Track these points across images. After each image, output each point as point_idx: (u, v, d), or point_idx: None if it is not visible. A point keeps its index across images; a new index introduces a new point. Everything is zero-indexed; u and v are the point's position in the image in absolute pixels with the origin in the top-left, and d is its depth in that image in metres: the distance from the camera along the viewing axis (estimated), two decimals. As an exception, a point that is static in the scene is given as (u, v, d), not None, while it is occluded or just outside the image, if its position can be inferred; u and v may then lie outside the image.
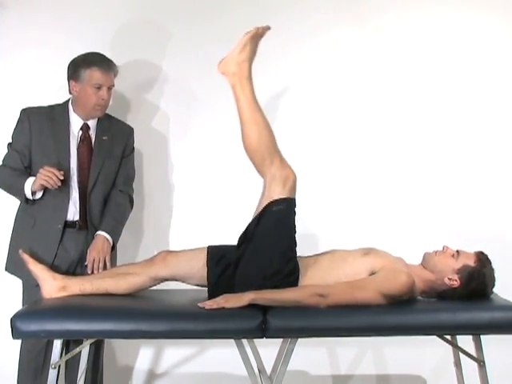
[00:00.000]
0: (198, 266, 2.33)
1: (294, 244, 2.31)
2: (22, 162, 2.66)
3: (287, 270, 2.26)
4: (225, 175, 3.16)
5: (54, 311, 2.20)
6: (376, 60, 3.15)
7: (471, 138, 3.15)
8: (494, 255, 2.34)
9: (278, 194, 2.26)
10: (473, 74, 3.15)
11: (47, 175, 2.51)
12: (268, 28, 2.37)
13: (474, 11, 3.15)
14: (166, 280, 2.38)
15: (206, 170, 3.17)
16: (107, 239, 2.69)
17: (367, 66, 3.15)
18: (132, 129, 2.88)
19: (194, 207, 3.16)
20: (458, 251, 2.32)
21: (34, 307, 2.26)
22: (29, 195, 2.59)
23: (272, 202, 2.25)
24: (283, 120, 3.13)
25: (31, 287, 2.54)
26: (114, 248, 2.75)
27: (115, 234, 2.74)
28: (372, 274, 2.26)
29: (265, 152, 2.28)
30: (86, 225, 2.70)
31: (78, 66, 2.66)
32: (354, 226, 3.13)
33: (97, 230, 2.69)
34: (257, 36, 2.36)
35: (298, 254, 2.39)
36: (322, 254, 2.42)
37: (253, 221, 2.30)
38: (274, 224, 2.26)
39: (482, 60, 3.15)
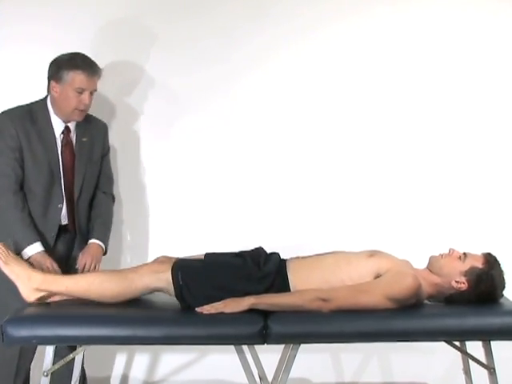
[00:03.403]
0: None
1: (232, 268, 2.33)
2: (17, 174, 2.59)
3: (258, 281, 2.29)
4: (207, 178, 3.16)
5: (47, 316, 2.22)
6: (377, 56, 3.13)
7: (478, 140, 3.13)
8: (503, 258, 2.34)
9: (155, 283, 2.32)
10: (476, 71, 3.13)
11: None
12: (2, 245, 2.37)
13: (477, 7, 3.14)
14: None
15: (189, 172, 3.16)
16: (101, 247, 2.72)
17: (368, 62, 3.13)
18: (107, 125, 2.88)
19: (175, 210, 3.16)
20: (464, 253, 2.32)
21: (25, 312, 2.25)
22: (25, 255, 2.55)
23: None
24: (287, 120, 3.15)
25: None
26: (105, 253, 2.78)
27: (106, 240, 2.76)
28: (377, 276, 2.26)
29: (124, 290, 2.31)
30: (74, 228, 2.71)
31: (60, 67, 2.60)
32: (357, 228, 3.12)
33: (83, 231, 2.71)
34: (7, 259, 2.34)
35: (299, 255, 2.42)
36: (325, 254, 2.43)
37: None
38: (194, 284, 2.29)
39: (486, 59, 3.13)
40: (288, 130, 3.15)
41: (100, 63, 2.69)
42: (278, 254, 2.43)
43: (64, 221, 2.69)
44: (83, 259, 2.66)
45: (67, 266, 2.69)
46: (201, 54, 3.11)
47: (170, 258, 2.49)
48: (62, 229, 2.69)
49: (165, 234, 3.16)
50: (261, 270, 2.32)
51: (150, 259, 3.02)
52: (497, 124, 3.13)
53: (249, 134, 3.15)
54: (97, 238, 2.72)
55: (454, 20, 3.12)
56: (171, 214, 3.16)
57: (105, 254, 2.76)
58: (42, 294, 2.32)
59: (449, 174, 3.13)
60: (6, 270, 2.34)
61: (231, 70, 3.13)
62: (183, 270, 2.30)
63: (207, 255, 2.47)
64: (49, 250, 2.62)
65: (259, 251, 2.44)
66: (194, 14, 3.13)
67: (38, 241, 2.57)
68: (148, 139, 3.16)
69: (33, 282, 2.31)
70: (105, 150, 2.83)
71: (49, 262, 2.55)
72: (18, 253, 2.50)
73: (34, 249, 2.56)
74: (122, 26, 3.12)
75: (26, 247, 2.55)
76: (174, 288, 2.28)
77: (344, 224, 3.13)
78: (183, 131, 3.16)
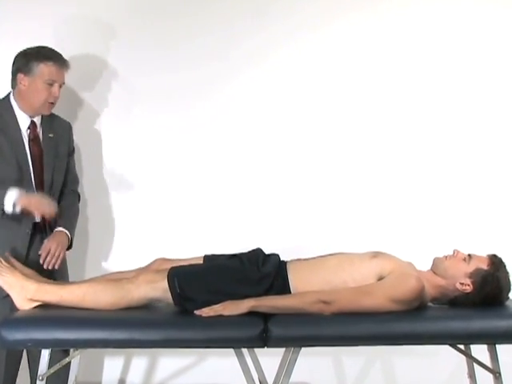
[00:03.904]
0: None
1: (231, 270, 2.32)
2: None
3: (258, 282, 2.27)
4: (167, 175, 3.15)
5: (42, 319, 2.20)
6: (377, 54, 3.13)
7: (482, 140, 3.12)
8: (508, 259, 2.33)
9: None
10: (478, 70, 3.12)
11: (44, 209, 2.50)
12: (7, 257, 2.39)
13: (480, 4, 3.13)
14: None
15: (149, 170, 3.16)
16: (67, 235, 2.69)
17: (368, 60, 3.13)
18: (70, 124, 2.88)
19: (140, 208, 3.16)
20: (469, 255, 2.32)
21: (20, 314, 2.24)
22: (8, 208, 2.51)
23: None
24: (286, 119, 3.14)
25: None
26: (70, 247, 2.75)
27: (72, 232, 2.75)
28: (380, 278, 2.25)
29: (119, 300, 2.29)
30: (45, 225, 2.69)
31: (29, 59, 2.60)
32: (360, 230, 3.11)
33: (53, 228, 2.69)
34: (1, 269, 2.34)
35: (300, 257, 2.41)
36: (328, 255, 2.42)
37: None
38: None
39: (488, 57, 3.12)
40: (287, 129, 3.14)
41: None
42: (277, 255, 2.42)
43: (37, 218, 2.64)
44: (48, 245, 2.62)
45: (43, 269, 2.63)
46: (198, 51, 3.11)
47: (168, 260, 2.48)
48: (35, 228, 2.65)
49: (135, 232, 3.15)
50: (259, 270, 2.31)
51: (117, 258, 3.12)
52: (502, 124, 3.12)
53: (246, 134, 3.15)
54: (63, 227, 2.69)
55: (456, 18, 3.11)
56: (146, 213, 3.16)
57: (70, 246, 2.74)
58: (35, 303, 2.30)
59: (452, 175, 3.12)
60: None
61: (228, 67, 3.13)
62: (179, 277, 2.28)
63: (206, 258, 2.46)
64: (24, 250, 2.59)
65: (257, 252, 2.43)
66: (192, 10, 3.13)
67: (14, 189, 2.51)
68: (106, 135, 3.16)
69: (26, 292, 2.29)
70: (70, 149, 2.84)
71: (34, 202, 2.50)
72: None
73: (13, 193, 2.49)
74: (82, 22, 3.13)
75: (5, 196, 2.50)
76: (172, 297, 2.27)
77: (346, 226, 3.12)
78: (171, 129, 3.15)
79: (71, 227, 2.74)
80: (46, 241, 2.64)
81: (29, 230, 2.63)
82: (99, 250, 3.17)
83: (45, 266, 2.58)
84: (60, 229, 2.69)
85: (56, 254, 2.62)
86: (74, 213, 2.83)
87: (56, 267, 2.63)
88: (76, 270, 2.90)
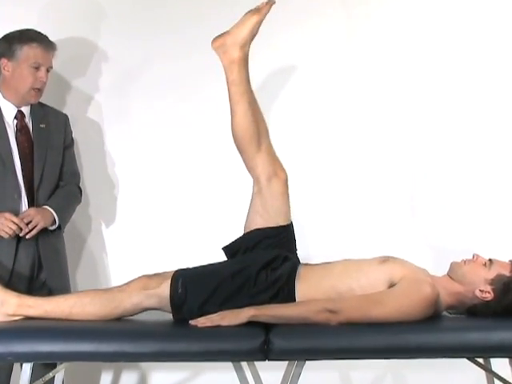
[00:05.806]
0: None
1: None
2: None
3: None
4: (164, 167, 3.15)
5: (24, 330, 2.16)
6: (377, 47, 3.16)
7: (496, 142, 3.13)
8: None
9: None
10: (487, 65, 3.14)
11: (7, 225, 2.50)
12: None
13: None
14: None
15: (144, 161, 3.17)
16: (53, 216, 2.66)
17: (368, 52, 3.16)
18: (67, 116, 2.89)
19: (140, 204, 3.18)
20: (490, 260, 2.28)
21: (-1, 325, 2.22)
22: None
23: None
24: (285, 116, 3.15)
25: None
26: (60, 228, 2.73)
27: (62, 213, 2.70)
28: (391, 285, 2.22)
29: (110, 312, 2.26)
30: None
31: (12, 43, 2.62)
32: (370, 234, 3.12)
33: (46, 230, 2.66)
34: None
35: (306, 261, 2.39)
36: (334, 261, 2.38)
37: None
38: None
39: (495, 53, 3.14)
40: (291, 126, 3.14)
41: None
42: (293, 259, 2.36)
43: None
44: (29, 211, 2.59)
45: (31, 288, 2.62)
46: (193, 41, 3.11)
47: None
48: (20, 240, 2.61)
49: (139, 230, 3.15)
50: (267, 279, 2.27)
51: (122, 255, 3.13)
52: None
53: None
54: (50, 207, 2.66)
55: (456, 9, 3.13)
56: (136, 208, 3.18)
57: (59, 228, 2.72)
58: (17, 318, 2.26)
59: (473, 177, 3.13)
60: None
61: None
62: (185, 276, 2.25)
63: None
64: (11, 254, 2.57)
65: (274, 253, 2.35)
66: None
67: None
68: (99, 124, 3.17)
69: (7, 308, 2.25)
70: (67, 141, 2.82)
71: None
72: None
73: None
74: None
75: None
76: (171, 297, 2.23)
77: (355, 230, 3.13)
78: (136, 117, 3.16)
79: (61, 209, 2.70)
80: (29, 209, 2.62)
81: (14, 243, 2.59)
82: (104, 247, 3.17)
83: (21, 234, 2.55)
84: (47, 207, 2.66)
85: (35, 219, 2.58)
86: (70, 198, 2.79)
87: (28, 237, 2.59)
88: (77, 270, 2.92)
